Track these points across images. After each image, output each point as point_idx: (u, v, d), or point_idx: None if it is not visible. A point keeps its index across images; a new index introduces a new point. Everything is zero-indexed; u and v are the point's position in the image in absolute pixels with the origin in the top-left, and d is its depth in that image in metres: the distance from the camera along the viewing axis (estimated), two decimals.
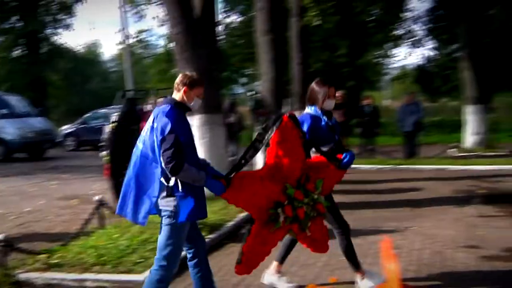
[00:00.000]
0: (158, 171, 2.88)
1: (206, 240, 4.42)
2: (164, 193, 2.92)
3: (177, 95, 3.06)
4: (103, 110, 16.97)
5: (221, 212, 5.75)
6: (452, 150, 12.42)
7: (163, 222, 3.00)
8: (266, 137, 3.18)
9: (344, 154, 3.46)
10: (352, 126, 12.09)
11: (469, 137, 12.72)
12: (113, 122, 6.00)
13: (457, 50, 17.10)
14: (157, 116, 2.92)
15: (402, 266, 3.68)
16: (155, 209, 3.01)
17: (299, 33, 11.14)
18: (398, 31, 21.07)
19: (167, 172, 2.82)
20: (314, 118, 3.58)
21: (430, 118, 20.22)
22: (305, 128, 3.49)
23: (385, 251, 3.13)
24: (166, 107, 2.95)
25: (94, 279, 3.88)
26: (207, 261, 3.25)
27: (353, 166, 3.64)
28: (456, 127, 16.79)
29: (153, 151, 2.89)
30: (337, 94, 10.31)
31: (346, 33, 18.60)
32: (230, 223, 5.52)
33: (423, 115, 11.80)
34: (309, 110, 3.65)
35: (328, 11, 12.75)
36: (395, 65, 27.61)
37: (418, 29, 21.27)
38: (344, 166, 3.46)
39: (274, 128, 3.17)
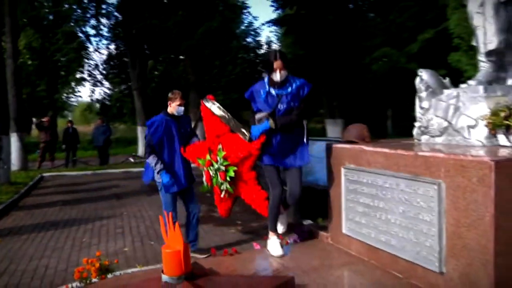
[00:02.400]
0: None
1: None
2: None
3: (168, 108, 4.05)
4: None
5: None
6: (131, 158, 15.07)
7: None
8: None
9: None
10: (57, 143, 14.73)
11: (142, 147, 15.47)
12: None
13: (127, 89, 22.09)
14: None
15: (130, 239, 4.82)
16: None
17: (13, 72, 13.34)
18: (83, 74, 25.26)
19: None
20: (258, 85, 3.66)
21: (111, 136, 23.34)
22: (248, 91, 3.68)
23: (164, 224, 3.25)
24: (158, 115, 4.05)
25: None
26: (195, 219, 4.24)
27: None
28: (131, 142, 20.88)
29: None
30: (45, 119, 13.64)
31: (44, 74, 21.65)
32: None
33: (111, 133, 14.62)
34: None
35: (32, 56, 15.77)
36: (81, 99, 31.74)
37: (98, 73, 25.22)
38: (254, 137, 3.49)
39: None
